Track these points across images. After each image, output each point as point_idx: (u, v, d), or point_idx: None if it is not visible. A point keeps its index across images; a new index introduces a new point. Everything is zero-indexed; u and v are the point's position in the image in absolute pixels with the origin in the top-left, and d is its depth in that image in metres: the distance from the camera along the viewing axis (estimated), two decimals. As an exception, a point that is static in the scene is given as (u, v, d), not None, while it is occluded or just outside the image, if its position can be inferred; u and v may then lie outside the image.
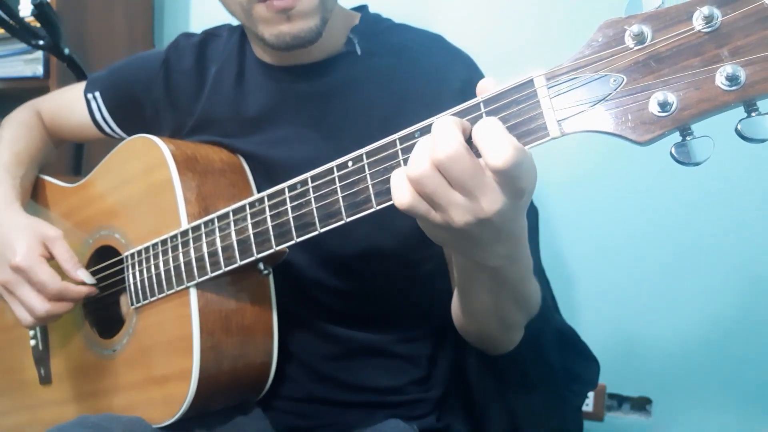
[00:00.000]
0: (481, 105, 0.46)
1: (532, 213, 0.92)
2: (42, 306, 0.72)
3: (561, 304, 0.93)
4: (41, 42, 1.12)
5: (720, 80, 0.38)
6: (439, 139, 0.43)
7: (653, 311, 1.20)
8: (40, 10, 1.07)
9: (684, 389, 1.19)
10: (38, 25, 1.10)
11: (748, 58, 0.37)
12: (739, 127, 0.39)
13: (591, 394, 1.20)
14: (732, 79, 0.37)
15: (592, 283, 1.22)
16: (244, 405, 0.76)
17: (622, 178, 1.20)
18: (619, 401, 1.24)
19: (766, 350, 1.15)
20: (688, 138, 0.40)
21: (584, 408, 1.12)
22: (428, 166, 0.43)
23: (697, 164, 0.41)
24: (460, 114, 0.47)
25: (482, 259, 0.51)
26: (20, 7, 1.24)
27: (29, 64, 1.28)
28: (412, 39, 0.76)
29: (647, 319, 1.20)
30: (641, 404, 1.23)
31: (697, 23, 0.39)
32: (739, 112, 0.40)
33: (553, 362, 0.84)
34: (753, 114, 0.39)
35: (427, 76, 0.70)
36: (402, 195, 0.46)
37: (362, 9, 0.80)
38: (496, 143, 0.41)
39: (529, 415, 0.82)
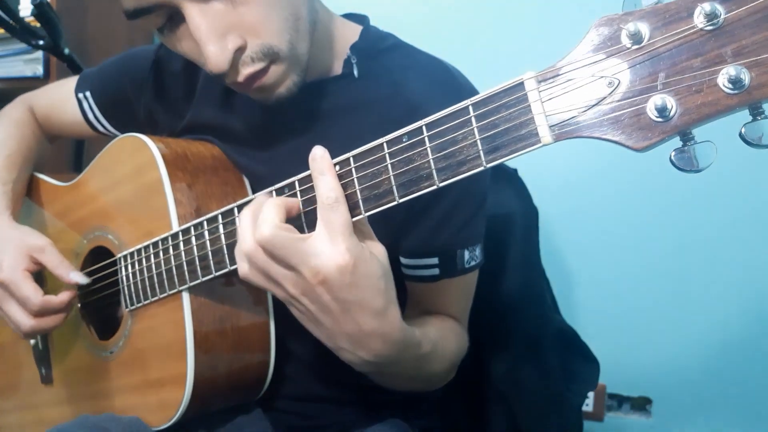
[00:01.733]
0: (470, 108, 0.43)
1: (532, 213, 0.90)
2: (27, 321, 0.71)
3: (561, 304, 0.92)
4: (41, 42, 1.12)
5: (723, 83, 0.35)
6: (259, 222, 0.49)
7: (654, 311, 1.19)
8: (40, 10, 1.06)
9: (684, 389, 1.19)
10: (38, 25, 1.09)
11: (753, 59, 0.35)
12: (743, 131, 0.37)
13: (591, 394, 1.21)
14: (735, 81, 0.35)
15: (592, 283, 1.21)
16: (245, 405, 0.75)
17: (623, 178, 1.18)
18: (619, 401, 1.24)
19: (766, 350, 1.13)
20: (689, 144, 0.38)
21: (584, 408, 1.12)
22: (253, 245, 0.49)
23: (698, 171, 0.38)
24: (450, 117, 0.45)
25: (348, 358, 0.53)
26: (20, 7, 1.24)
27: (29, 64, 1.28)
28: (413, 66, 0.70)
29: (647, 319, 1.19)
30: (641, 404, 1.23)
31: (699, 21, 0.36)
32: (745, 114, 0.37)
33: (552, 362, 0.83)
34: (759, 118, 0.36)
35: (422, 110, 0.67)
36: (241, 267, 0.52)
37: (363, 20, 0.74)
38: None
39: (529, 415, 0.81)
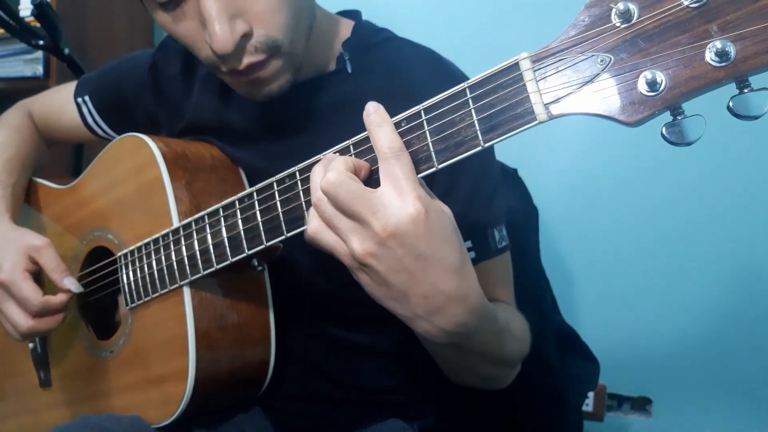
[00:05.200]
0: (467, 90, 0.45)
1: (532, 213, 0.91)
2: (25, 322, 0.71)
3: (561, 304, 0.92)
4: (41, 42, 1.13)
5: (710, 57, 0.37)
6: (325, 169, 0.47)
7: (653, 311, 1.20)
8: (40, 10, 1.07)
9: (684, 389, 1.19)
10: (38, 25, 1.10)
11: (737, 33, 0.36)
12: (731, 104, 0.38)
13: (591, 394, 1.20)
14: (722, 54, 0.36)
15: (592, 283, 1.22)
16: (245, 403, 0.75)
17: (622, 179, 1.19)
18: (619, 401, 1.24)
19: (766, 350, 1.14)
20: (679, 117, 0.39)
21: (584, 408, 1.11)
22: (320, 193, 0.47)
23: (689, 144, 0.40)
24: (447, 100, 0.46)
25: (426, 328, 0.48)
26: (20, 7, 1.25)
27: (29, 64, 1.29)
28: (407, 58, 0.71)
29: (647, 319, 1.20)
30: (641, 404, 1.22)
31: (685, -1, 0.37)
32: (732, 89, 0.39)
33: (552, 362, 0.83)
34: (745, 90, 0.37)
35: (417, 100, 0.68)
36: (311, 221, 0.49)
37: (355, 16, 0.75)
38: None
39: (529, 415, 0.81)
